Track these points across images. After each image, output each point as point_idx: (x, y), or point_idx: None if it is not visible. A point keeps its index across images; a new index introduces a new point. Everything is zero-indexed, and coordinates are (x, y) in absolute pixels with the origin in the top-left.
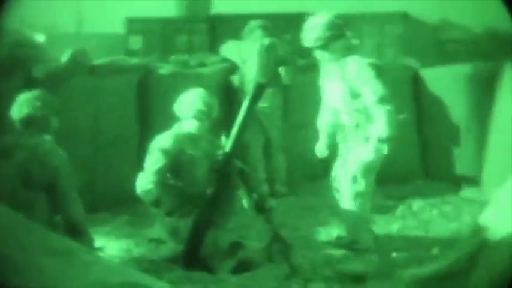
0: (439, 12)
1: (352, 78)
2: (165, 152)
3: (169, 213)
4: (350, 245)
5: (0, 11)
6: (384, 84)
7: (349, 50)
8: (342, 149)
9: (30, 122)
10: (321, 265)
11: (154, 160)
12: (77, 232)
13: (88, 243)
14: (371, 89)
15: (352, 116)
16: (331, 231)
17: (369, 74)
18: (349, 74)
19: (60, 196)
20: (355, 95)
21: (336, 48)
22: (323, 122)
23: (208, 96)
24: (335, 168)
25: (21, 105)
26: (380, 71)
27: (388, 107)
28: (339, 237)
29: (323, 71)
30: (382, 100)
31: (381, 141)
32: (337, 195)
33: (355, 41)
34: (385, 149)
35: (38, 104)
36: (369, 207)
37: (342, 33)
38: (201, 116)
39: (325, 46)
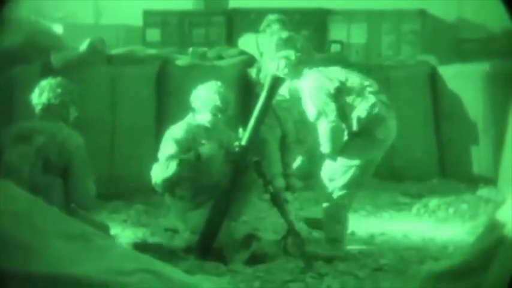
0: (457, 10)
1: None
2: (177, 142)
3: (184, 203)
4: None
5: (8, 1)
6: (316, 99)
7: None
8: None
9: (49, 109)
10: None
11: (167, 149)
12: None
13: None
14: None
15: None
16: None
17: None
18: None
19: (72, 180)
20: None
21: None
22: None
23: (225, 92)
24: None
25: (42, 92)
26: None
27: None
28: None
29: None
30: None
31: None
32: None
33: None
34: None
35: (59, 91)
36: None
37: None
38: (216, 111)
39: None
